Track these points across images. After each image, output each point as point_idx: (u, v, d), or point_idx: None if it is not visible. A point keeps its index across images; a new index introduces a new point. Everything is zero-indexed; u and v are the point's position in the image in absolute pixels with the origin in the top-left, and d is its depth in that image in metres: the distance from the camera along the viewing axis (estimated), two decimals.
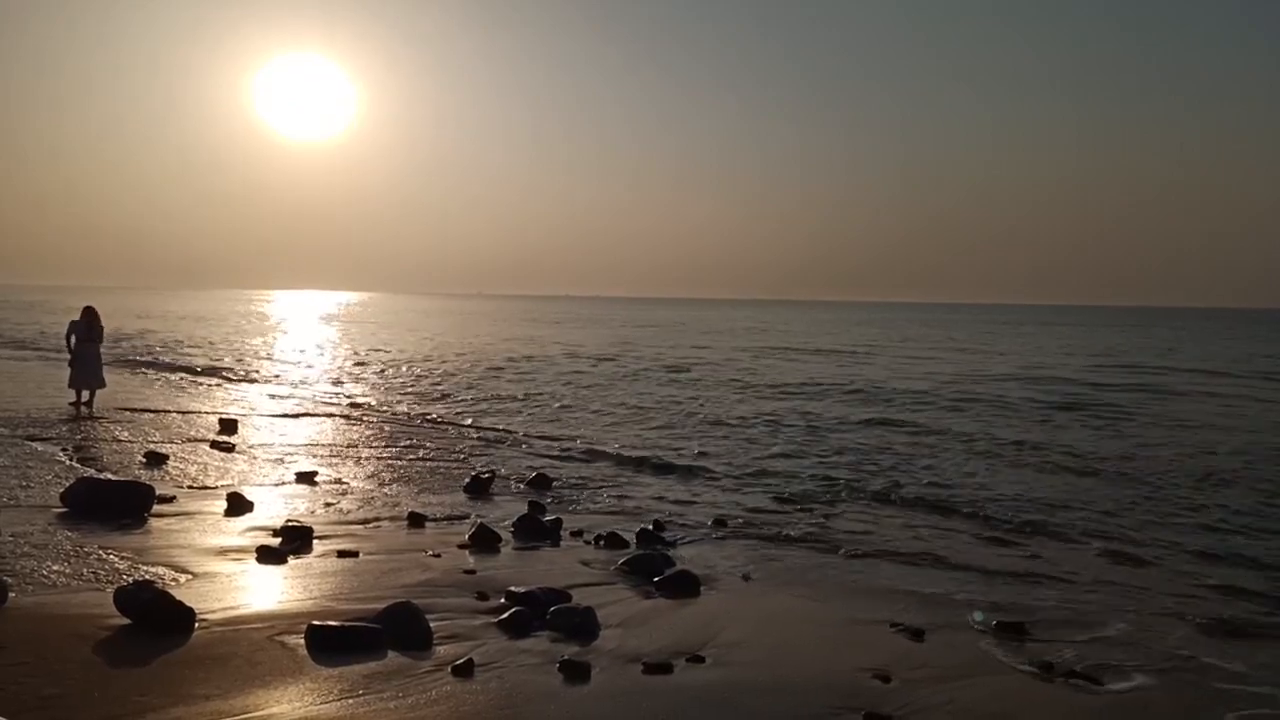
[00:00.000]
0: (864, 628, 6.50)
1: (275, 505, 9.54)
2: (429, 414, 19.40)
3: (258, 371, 28.76)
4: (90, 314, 17.17)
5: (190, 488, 10.28)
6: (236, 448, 13.16)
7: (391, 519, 9.23)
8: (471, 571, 7.39)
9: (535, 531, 8.85)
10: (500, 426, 17.70)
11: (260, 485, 10.58)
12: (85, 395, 16.83)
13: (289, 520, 8.64)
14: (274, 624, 5.87)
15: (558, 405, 21.23)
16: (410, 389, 24.45)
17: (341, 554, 7.73)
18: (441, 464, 12.89)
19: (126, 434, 14.04)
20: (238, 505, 9.30)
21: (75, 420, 15.24)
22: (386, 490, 10.71)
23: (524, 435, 16.71)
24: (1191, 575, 8.53)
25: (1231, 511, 11.28)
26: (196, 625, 5.73)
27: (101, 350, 17.51)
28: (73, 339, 16.99)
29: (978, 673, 5.72)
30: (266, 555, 7.50)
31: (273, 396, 22.03)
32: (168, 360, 31.56)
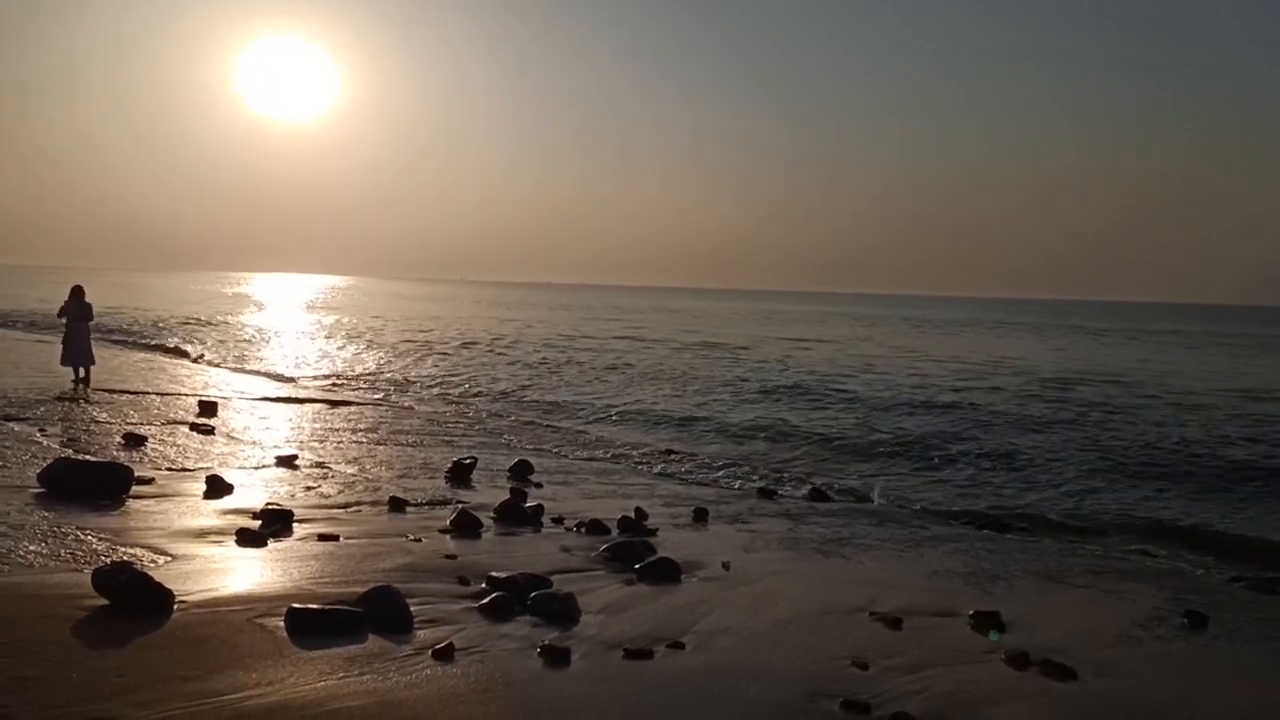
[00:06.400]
0: (843, 616, 6.55)
1: (255, 488, 9.49)
2: (411, 399, 19.35)
3: (238, 354, 28.58)
4: (78, 293, 17.66)
5: (169, 470, 10.21)
6: (216, 430, 13.07)
7: (372, 503, 9.20)
8: (453, 556, 7.39)
9: (517, 517, 8.86)
10: (483, 412, 17.68)
11: (240, 468, 10.52)
12: (80, 373, 17.33)
13: (269, 503, 8.59)
14: (253, 606, 5.85)
15: (541, 392, 21.22)
16: (393, 374, 24.36)
17: (322, 537, 7.71)
18: (423, 449, 12.87)
19: (105, 415, 13.92)
20: (217, 488, 9.25)
21: (54, 400, 15.10)
22: (368, 475, 10.68)
23: (507, 422, 16.70)
24: (1178, 571, 8.63)
25: (1220, 506, 11.43)
26: (175, 607, 5.70)
27: (91, 328, 18.02)
28: (64, 319, 17.56)
29: (953, 661, 5.77)
30: (246, 538, 7.46)
31: (253, 379, 21.91)
32: (147, 341, 31.32)
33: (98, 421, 13.31)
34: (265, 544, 7.40)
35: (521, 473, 11.36)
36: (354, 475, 10.59)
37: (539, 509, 9.13)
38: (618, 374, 26.32)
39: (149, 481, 9.37)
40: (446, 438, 14.24)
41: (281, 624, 5.55)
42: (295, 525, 8.04)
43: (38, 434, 11.84)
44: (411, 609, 5.91)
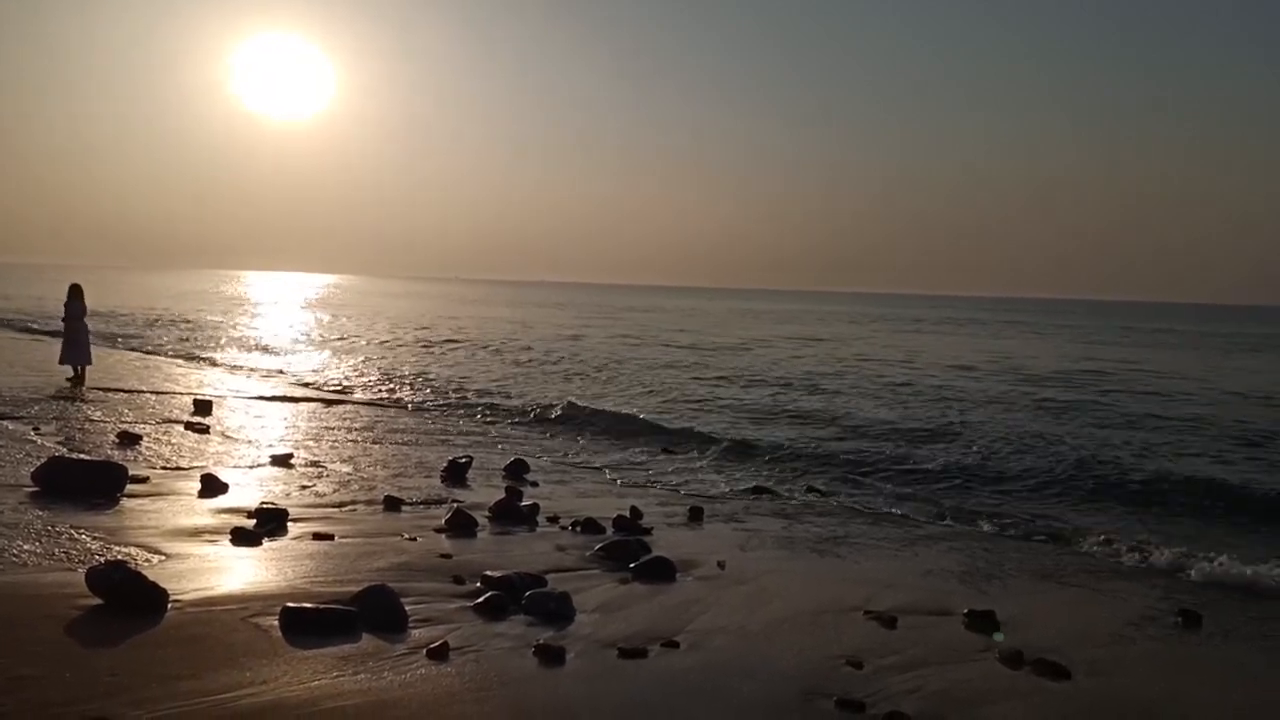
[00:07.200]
0: (838, 615, 6.56)
1: (250, 487, 9.48)
2: (406, 398, 19.33)
3: (233, 353, 28.52)
4: (75, 291, 17.85)
5: (164, 468, 10.19)
6: (211, 429, 13.06)
7: (368, 503, 9.20)
8: (448, 556, 7.39)
9: (512, 516, 8.86)
10: (478, 411, 17.66)
11: (235, 467, 10.51)
12: (76, 370, 17.46)
13: (264, 502, 8.59)
14: (248, 606, 5.85)
15: (537, 390, 21.20)
16: (388, 372, 24.32)
17: (317, 536, 7.70)
18: (418, 448, 12.86)
19: (99, 414, 13.90)
20: (212, 487, 9.24)
21: (48, 399, 15.07)
22: (363, 474, 10.67)
23: (503, 421, 16.69)
24: (1172, 572, 8.63)
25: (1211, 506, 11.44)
26: (169, 606, 5.69)
27: (88, 327, 18.20)
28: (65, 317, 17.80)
29: (948, 660, 5.78)
30: (241, 537, 7.46)
31: (248, 378, 21.87)
32: (142, 339, 31.24)
33: (92, 420, 13.29)
34: (260, 543, 7.40)
35: (517, 472, 11.35)
36: (349, 474, 10.58)
37: (534, 508, 9.13)
38: (612, 372, 26.31)
39: (143, 480, 9.35)
40: (442, 436, 14.23)
41: (276, 623, 5.55)
42: (290, 524, 8.03)
43: (32, 432, 11.82)
44: (406, 608, 5.91)
